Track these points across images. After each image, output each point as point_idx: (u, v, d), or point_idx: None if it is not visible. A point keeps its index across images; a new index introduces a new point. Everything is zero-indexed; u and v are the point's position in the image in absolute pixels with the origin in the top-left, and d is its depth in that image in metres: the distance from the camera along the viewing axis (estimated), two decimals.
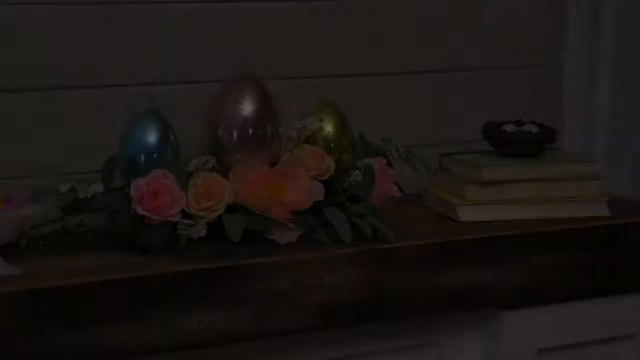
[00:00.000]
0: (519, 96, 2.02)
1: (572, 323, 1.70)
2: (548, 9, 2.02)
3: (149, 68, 1.69)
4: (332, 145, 1.60)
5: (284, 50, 1.80)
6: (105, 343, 1.30)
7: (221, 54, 1.74)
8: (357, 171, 1.57)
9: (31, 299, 1.26)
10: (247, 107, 1.52)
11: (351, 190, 1.57)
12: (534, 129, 1.82)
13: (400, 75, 1.91)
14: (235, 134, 1.52)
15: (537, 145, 1.81)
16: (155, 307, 1.33)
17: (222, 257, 1.42)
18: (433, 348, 1.60)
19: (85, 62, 1.65)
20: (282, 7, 1.79)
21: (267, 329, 1.39)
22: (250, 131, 1.52)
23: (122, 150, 1.49)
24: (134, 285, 1.32)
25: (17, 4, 1.59)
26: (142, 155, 1.48)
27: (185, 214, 1.45)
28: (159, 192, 1.42)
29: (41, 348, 1.27)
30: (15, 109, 1.61)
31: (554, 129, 1.83)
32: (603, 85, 2.18)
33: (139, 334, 1.32)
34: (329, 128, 1.61)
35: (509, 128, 1.82)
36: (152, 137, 1.49)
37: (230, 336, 1.37)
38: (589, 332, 1.74)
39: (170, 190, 1.43)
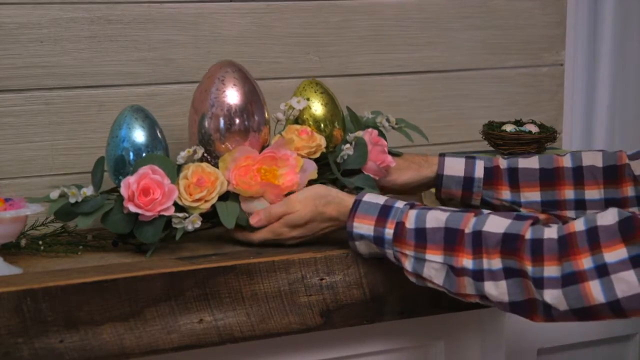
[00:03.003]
0: (519, 96, 2.02)
1: (572, 323, 1.70)
2: (548, 9, 2.02)
3: (149, 68, 1.69)
4: (321, 123, 1.60)
5: (285, 50, 1.80)
6: (104, 343, 1.30)
7: (220, 54, 1.74)
8: (348, 145, 1.57)
9: (31, 299, 1.26)
10: (231, 95, 1.51)
11: (345, 165, 1.57)
12: (534, 129, 1.82)
13: (400, 75, 1.91)
14: (222, 122, 1.51)
15: (537, 145, 1.81)
16: (155, 307, 1.33)
17: (222, 257, 1.42)
18: (433, 348, 1.60)
19: (85, 62, 1.65)
20: (282, 6, 1.79)
21: (267, 329, 1.39)
22: (237, 118, 1.51)
23: (110, 151, 1.49)
24: (134, 285, 1.32)
25: (17, 4, 1.59)
26: (131, 154, 1.47)
27: (179, 207, 1.45)
28: (150, 188, 1.42)
29: (41, 348, 1.27)
30: (15, 109, 1.62)
31: (554, 129, 1.84)
32: (603, 85, 2.18)
33: (139, 334, 1.32)
34: (316, 106, 1.60)
35: (509, 128, 1.82)
36: (138, 135, 1.48)
37: (230, 336, 1.37)
38: (589, 332, 1.74)
39: (160, 185, 1.42)
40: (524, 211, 1.57)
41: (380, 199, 1.41)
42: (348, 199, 1.44)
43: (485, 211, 1.35)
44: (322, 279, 1.42)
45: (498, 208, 1.59)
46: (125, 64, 1.68)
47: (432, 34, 1.92)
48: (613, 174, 1.53)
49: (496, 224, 1.31)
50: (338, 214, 1.45)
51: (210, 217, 1.48)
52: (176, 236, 1.43)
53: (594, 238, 1.23)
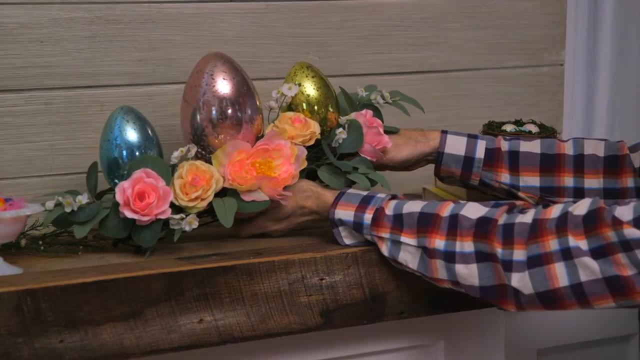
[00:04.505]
0: (519, 96, 2.02)
1: (572, 323, 1.70)
2: (548, 9, 2.02)
3: (149, 68, 1.69)
4: (315, 107, 1.59)
5: (285, 50, 1.80)
6: (104, 343, 1.30)
7: None
8: (341, 129, 1.57)
9: (31, 299, 1.26)
10: (222, 87, 1.50)
11: (341, 149, 1.57)
12: (534, 129, 1.82)
13: (400, 75, 1.91)
14: (214, 116, 1.50)
15: None
16: (155, 307, 1.33)
17: (222, 257, 1.42)
18: (433, 348, 1.60)
19: (85, 62, 1.65)
20: (282, 6, 1.79)
21: (267, 329, 1.39)
22: (229, 110, 1.50)
23: (103, 154, 1.49)
24: (134, 285, 1.32)
25: (17, 4, 1.59)
26: (124, 155, 1.47)
27: (175, 207, 1.45)
28: (145, 192, 1.41)
29: (41, 348, 1.27)
30: (15, 109, 1.61)
31: (554, 129, 1.84)
32: (603, 85, 2.18)
33: (139, 334, 1.32)
34: (308, 91, 1.60)
35: (509, 128, 1.82)
36: (131, 136, 1.48)
37: (230, 336, 1.37)
38: (589, 332, 1.74)
39: (155, 188, 1.42)
40: (522, 195, 1.58)
41: (364, 192, 1.46)
42: (327, 194, 1.49)
43: (463, 202, 1.38)
44: (322, 279, 1.42)
45: (496, 190, 1.60)
46: (125, 64, 1.68)
47: (432, 34, 1.92)
48: (614, 163, 1.54)
49: (473, 210, 1.34)
50: (317, 207, 1.50)
51: (211, 211, 1.48)
52: (174, 237, 1.43)
53: (562, 223, 1.26)
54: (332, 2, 1.83)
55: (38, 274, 1.35)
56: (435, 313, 1.51)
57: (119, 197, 1.41)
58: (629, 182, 1.53)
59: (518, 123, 1.85)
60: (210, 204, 1.46)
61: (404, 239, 1.38)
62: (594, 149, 1.56)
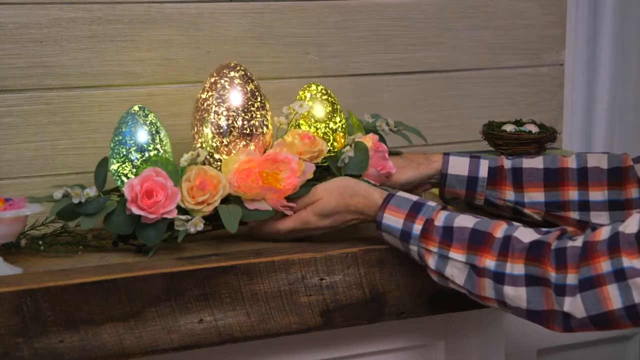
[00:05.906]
0: (519, 96, 2.02)
1: None
2: (548, 9, 2.02)
3: (149, 68, 1.69)
4: (324, 126, 1.59)
5: (285, 50, 1.80)
6: (104, 343, 1.30)
7: (220, 54, 1.74)
8: (348, 147, 1.57)
9: (31, 299, 1.26)
10: (234, 97, 1.51)
11: (346, 170, 1.57)
12: (534, 129, 1.82)
13: (400, 75, 1.91)
14: (224, 125, 1.51)
15: (537, 145, 1.81)
16: (155, 307, 1.33)
17: (221, 257, 1.42)
18: (433, 348, 1.60)
19: (85, 62, 1.65)
20: (282, 6, 1.79)
21: (267, 329, 1.39)
22: (240, 120, 1.51)
23: (113, 151, 1.49)
24: (134, 285, 1.32)
25: (17, 4, 1.59)
26: (134, 154, 1.47)
27: (181, 210, 1.45)
28: (153, 191, 1.42)
29: (41, 348, 1.27)
30: (15, 109, 1.61)
31: (554, 129, 1.84)
32: (603, 85, 2.18)
33: (139, 334, 1.32)
34: (318, 110, 1.60)
35: (508, 128, 1.82)
36: (141, 136, 1.48)
37: (230, 336, 1.37)
38: (588, 332, 1.74)
39: (163, 187, 1.42)
40: (528, 211, 1.57)
41: (413, 197, 1.42)
42: (376, 194, 1.44)
43: (516, 223, 1.36)
44: (322, 279, 1.42)
45: (502, 208, 1.60)
46: (125, 64, 1.68)
47: (433, 34, 1.92)
48: (617, 175, 1.54)
49: (526, 233, 1.32)
50: (364, 207, 1.45)
51: (212, 219, 1.48)
52: (178, 238, 1.43)
53: (614, 243, 1.24)
54: (332, 2, 1.83)
55: (38, 274, 1.35)
56: (435, 313, 1.51)
57: (127, 193, 1.42)
58: (634, 193, 1.52)
59: (518, 123, 1.85)
60: (215, 209, 1.46)
61: (452, 254, 1.36)
62: (597, 161, 1.55)
